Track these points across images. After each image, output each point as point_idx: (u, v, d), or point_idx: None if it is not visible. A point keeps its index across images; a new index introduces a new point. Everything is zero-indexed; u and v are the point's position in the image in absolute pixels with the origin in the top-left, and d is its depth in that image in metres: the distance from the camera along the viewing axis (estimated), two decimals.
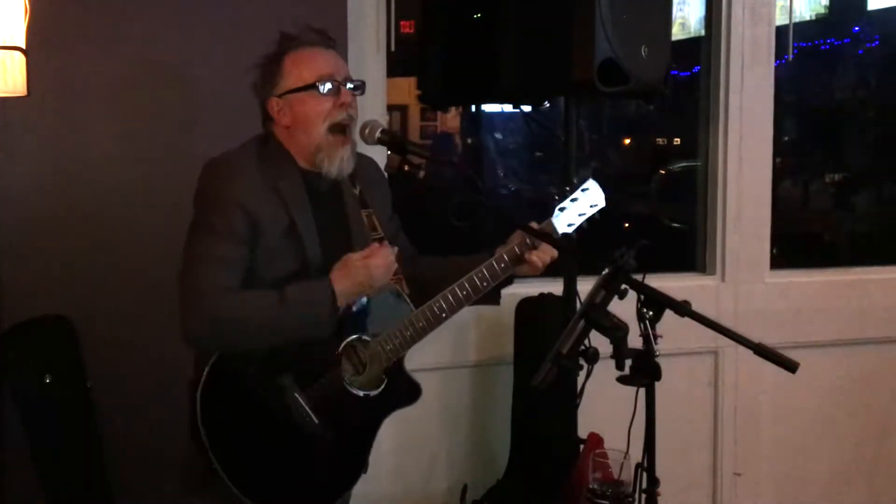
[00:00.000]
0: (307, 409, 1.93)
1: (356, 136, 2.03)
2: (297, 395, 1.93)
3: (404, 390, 2.09)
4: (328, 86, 1.99)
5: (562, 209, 2.13)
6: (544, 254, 2.08)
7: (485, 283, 2.05)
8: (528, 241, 2.06)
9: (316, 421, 1.93)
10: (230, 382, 1.93)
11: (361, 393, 2.01)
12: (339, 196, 2.09)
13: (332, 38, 2.07)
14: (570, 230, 2.13)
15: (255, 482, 1.93)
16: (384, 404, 2.06)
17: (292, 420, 1.94)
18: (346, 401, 1.99)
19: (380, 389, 2.03)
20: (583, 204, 2.15)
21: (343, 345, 1.99)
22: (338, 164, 2.00)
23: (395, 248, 2.03)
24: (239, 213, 1.91)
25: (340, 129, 2.00)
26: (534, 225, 2.06)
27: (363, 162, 2.15)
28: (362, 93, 2.07)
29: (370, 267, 1.96)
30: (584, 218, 2.14)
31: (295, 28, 2.06)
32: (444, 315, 2.03)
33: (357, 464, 2.05)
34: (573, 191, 2.15)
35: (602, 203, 2.16)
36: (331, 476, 2.04)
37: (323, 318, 1.92)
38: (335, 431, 1.97)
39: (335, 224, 2.07)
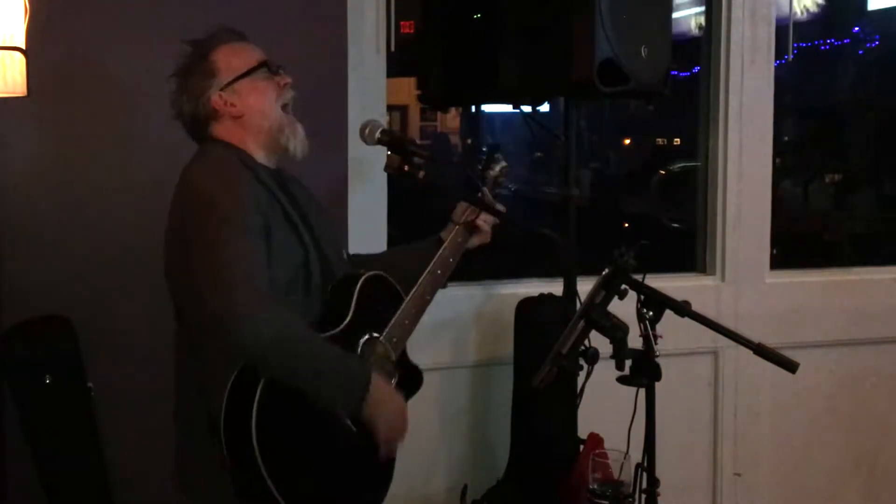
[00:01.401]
0: (347, 420, 1.88)
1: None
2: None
3: (414, 378, 2.11)
4: (271, 69, 2.01)
5: (484, 180, 2.33)
6: (487, 218, 2.25)
7: (451, 259, 2.19)
8: (471, 210, 2.24)
9: (354, 429, 1.89)
10: (278, 397, 1.82)
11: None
12: (287, 187, 2.06)
13: (244, 35, 2.09)
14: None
15: (305, 498, 1.87)
16: (402, 396, 2.06)
17: (335, 432, 1.89)
18: None
19: (394, 383, 2.03)
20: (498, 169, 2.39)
21: (360, 346, 1.97)
22: (300, 141, 2.01)
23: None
24: (252, 207, 1.84)
25: (285, 109, 2.02)
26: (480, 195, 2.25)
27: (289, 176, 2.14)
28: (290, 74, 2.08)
29: (401, 409, 1.97)
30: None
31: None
32: (428, 298, 2.11)
33: (389, 466, 2.04)
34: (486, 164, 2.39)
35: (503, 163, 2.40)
36: (370, 482, 2.02)
37: (349, 399, 1.85)
38: (370, 436, 1.93)
39: (311, 212, 2.05)
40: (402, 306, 2.06)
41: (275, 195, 1.94)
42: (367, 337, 1.97)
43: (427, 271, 2.12)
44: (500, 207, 2.31)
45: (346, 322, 1.94)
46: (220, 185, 1.86)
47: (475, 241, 2.28)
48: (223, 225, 1.79)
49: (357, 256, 2.31)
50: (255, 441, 1.75)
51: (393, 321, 2.03)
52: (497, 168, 2.38)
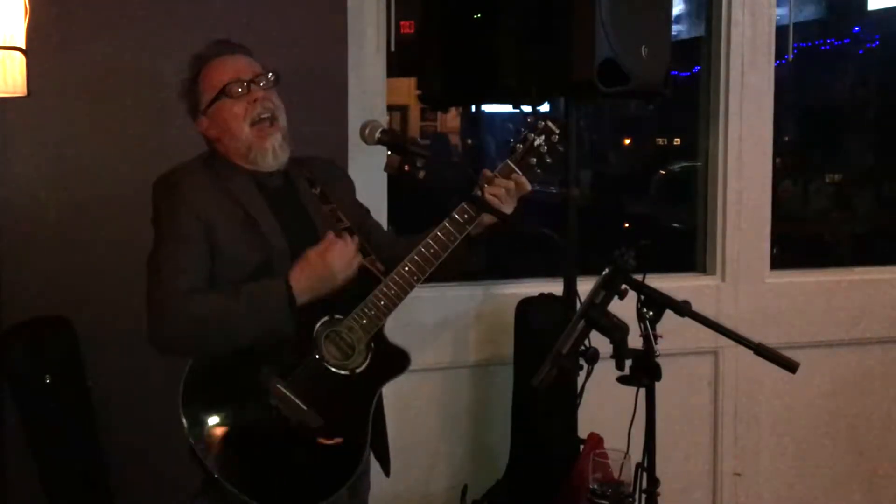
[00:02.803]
0: (292, 397, 1.93)
1: (283, 123, 2.06)
2: (279, 385, 1.93)
3: (391, 361, 2.07)
4: (237, 88, 2.02)
5: (515, 153, 2.07)
6: (497, 188, 2.03)
7: (451, 238, 2.01)
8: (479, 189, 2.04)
9: (304, 408, 1.93)
10: (209, 387, 1.93)
11: (345, 371, 2.00)
12: (293, 191, 2.11)
13: (238, 44, 2.10)
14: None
15: (257, 480, 1.92)
16: (373, 379, 2.04)
17: (280, 411, 1.93)
18: (331, 383, 1.98)
19: (365, 365, 2.02)
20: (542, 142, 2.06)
21: (316, 328, 1.98)
22: (270, 154, 2.04)
23: (356, 238, 2.02)
24: (190, 216, 1.95)
25: (260, 122, 2.03)
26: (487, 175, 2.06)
27: (319, 164, 2.21)
28: (276, 82, 2.09)
29: (328, 260, 1.96)
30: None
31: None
32: (414, 278, 2.00)
33: (357, 445, 2.02)
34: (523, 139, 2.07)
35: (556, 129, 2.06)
36: (332, 463, 2.01)
37: (280, 317, 1.92)
38: (327, 415, 1.96)
39: (297, 217, 2.08)
40: (380, 286, 2.01)
41: (238, 203, 2.00)
42: (325, 318, 1.99)
43: (415, 251, 2.01)
44: (507, 210, 2.08)
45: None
46: (166, 193, 2.00)
47: (488, 219, 2.06)
48: (160, 231, 1.98)
49: (403, 239, 2.21)
50: (185, 430, 1.89)
51: (365, 301, 2.00)
52: (537, 139, 2.05)
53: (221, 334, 1.92)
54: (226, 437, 1.93)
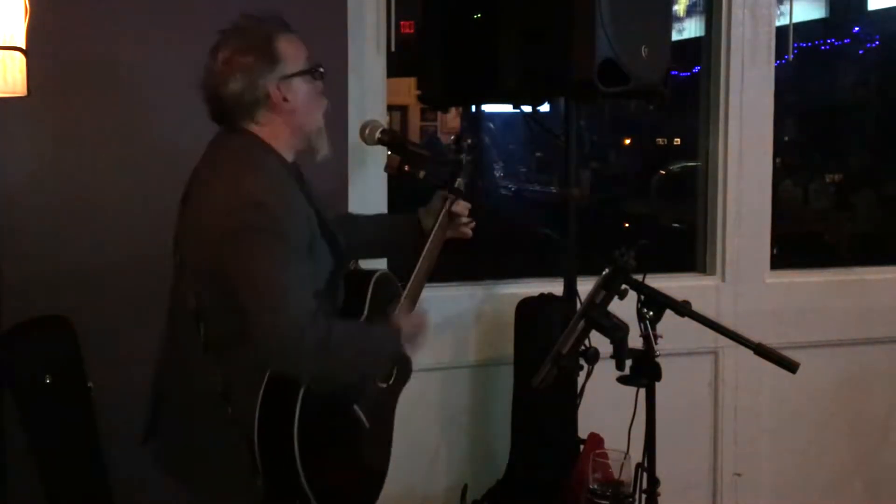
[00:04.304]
0: (363, 417, 1.96)
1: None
2: (355, 406, 1.96)
3: (404, 369, 2.14)
4: (320, 74, 1.98)
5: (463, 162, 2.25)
6: (464, 208, 2.20)
7: (437, 252, 2.14)
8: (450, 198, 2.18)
9: (367, 425, 1.96)
10: (315, 402, 1.86)
11: (385, 384, 2.06)
12: (303, 183, 2.06)
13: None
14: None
15: (332, 496, 1.92)
16: (396, 388, 2.12)
17: (352, 429, 1.96)
18: (379, 398, 2.04)
19: (393, 377, 2.09)
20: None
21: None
22: (325, 145, 2.01)
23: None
24: (302, 222, 1.84)
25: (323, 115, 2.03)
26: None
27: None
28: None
29: (423, 329, 2.04)
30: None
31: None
32: (424, 279, 2.12)
33: (389, 451, 2.11)
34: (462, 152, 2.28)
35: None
36: (378, 470, 2.09)
37: (386, 363, 1.99)
38: (376, 428, 2.02)
39: (321, 211, 2.06)
40: (400, 303, 2.05)
41: (310, 201, 1.94)
42: None
43: (416, 271, 2.09)
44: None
45: (362, 319, 2.01)
46: (273, 194, 1.82)
47: (456, 232, 2.22)
48: (275, 239, 1.77)
49: (341, 218, 2.23)
50: (296, 446, 1.81)
51: (396, 310, 2.04)
52: (467, 156, 2.26)
53: (351, 366, 1.90)
54: (327, 456, 1.90)
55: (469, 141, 2.27)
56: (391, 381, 2.08)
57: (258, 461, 1.85)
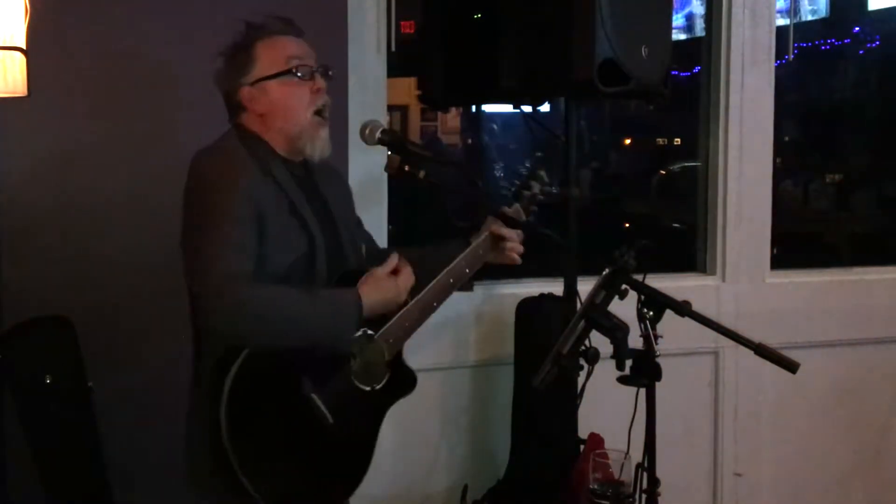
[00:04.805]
0: (324, 409, 1.92)
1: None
2: (314, 395, 1.92)
3: (404, 381, 2.11)
4: (305, 72, 2.01)
5: (523, 195, 2.33)
6: (512, 234, 2.23)
7: (467, 270, 2.16)
8: (498, 223, 2.21)
9: (331, 420, 1.92)
10: (251, 391, 1.86)
11: (367, 387, 2.02)
12: (314, 182, 2.10)
13: (300, 28, 2.07)
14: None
15: (275, 487, 1.89)
16: (387, 397, 2.07)
17: (310, 422, 1.92)
18: (354, 397, 2.00)
19: (384, 382, 2.04)
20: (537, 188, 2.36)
21: (353, 341, 1.98)
22: (319, 146, 2.04)
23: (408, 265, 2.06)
24: (244, 198, 1.88)
25: (319, 114, 2.04)
26: (505, 210, 2.23)
27: (322, 166, 2.15)
28: (333, 77, 2.11)
29: (399, 283, 2.00)
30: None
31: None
32: (434, 304, 2.10)
33: (364, 459, 2.05)
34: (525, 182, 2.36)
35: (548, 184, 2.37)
36: (343, 474, 2.03)
37: (347, 328, 1.92)
38: (346, 429, 1.97)
39: (323, 209, 2.08)
40: (405, 308, 2.05)
41: (283, 188, 1.97)
42: (359, 333, 1.98)
43: (438, 278, 2.11)
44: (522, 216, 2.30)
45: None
46: (218, 172, 1.92)
47: (496, 258, 2.25)
48: (213, 210, 1.87)
49: (386, 250, 2.29)
50: (223, 429, 1.80)
51: (392, 321, 2.04)
52: (536, 188, 2.35)
53: (289, 328, 1.87)
54: (263, 442, 1.88)
55: (545, 184, 2.35)
56: (377, 387, 2.03)
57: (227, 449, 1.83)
